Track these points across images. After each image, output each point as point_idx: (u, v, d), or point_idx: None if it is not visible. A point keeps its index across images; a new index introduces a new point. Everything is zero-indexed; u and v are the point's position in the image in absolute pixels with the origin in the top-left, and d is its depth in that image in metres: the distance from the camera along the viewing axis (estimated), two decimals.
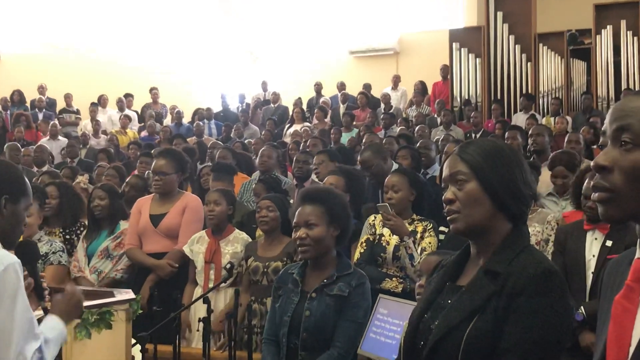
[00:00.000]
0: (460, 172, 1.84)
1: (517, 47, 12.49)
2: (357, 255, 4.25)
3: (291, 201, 4.95)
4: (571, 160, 5.17)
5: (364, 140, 7.02)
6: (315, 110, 13.15)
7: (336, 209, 3.00)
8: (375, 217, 4.34)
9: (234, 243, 4.68)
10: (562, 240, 4.05)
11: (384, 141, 5.88)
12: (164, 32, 16.69)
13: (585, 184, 4.04)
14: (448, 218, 1.85)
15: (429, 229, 4.16)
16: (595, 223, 3.93)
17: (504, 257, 1.76)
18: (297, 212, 3.01)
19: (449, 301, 1.80)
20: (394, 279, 4.12)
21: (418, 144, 7.08)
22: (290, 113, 13.76)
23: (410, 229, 4.15)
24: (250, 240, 4.73)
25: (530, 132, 6.55)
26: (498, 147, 1.86)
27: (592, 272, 3.86)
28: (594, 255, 3.91)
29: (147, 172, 6.70)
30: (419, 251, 4.04)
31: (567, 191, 4.81)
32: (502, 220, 1.82)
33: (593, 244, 3.94)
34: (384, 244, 4.22)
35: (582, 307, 3.77)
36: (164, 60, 16.66)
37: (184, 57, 16.96)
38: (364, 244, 4.27)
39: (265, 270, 4.29)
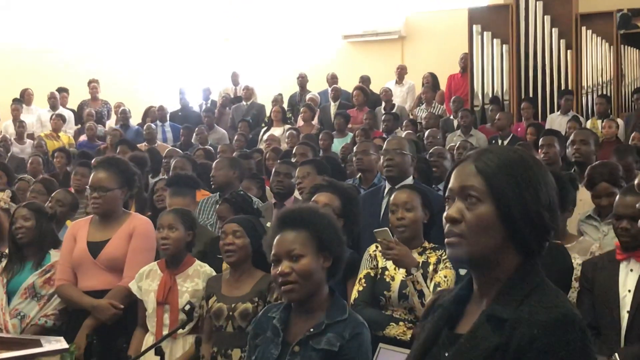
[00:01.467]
0: (474, 188, 1.83)
1: (554, 30, 12.59)
2: (354, 294, 4.26)
3: (268, 224, 4.94)
4: (613, 172, 5.14)
5: (355, 148, 7.05)
6: (300, 110, 13.17)
7: (325, 232, 2.97)
8: (376, 247, 4.36)
9: (194, 278, 4.67)
10: (590, 274, 4.07)
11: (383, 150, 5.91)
12: (106, 11, 16.70)
13: (617, 200, 4.06)
14: (447, 240, 1.85)
15: (444, 260, 4.18)
16: (631, 251, 3.94)
17: (511, 298, 1.77)
18: (276, 241, 2.98)
19: (446, 354, 1.82)
20: (400, 323, 4.12)
21: (429, 153, 7.12)
22: (268, 113, 13.78)
23: (420, 260, 4.17)
24: (213, 273, 4.72)
25: (571, 138, 6.58)
26: (524, 160, 1.86)
27: (628, 311, 3.89)
28: (629, 291, 3.94)
29: (86, 187, 6.68)
30: (431, 287, 4.06)
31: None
32: (512, 253, 1.83)
33: (628, 277, 3.96)
34: (387, 280, 4.24)
35: (616, 355, 3.79)
36: (106, 45, 16.66)
37: (132, 42, 16.97)
38: (363, 281, 4.28)
39: (231, 313, 4.28)
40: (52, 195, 6.45)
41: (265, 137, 12.05)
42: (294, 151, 8.15)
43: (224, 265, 4.92)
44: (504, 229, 1.80)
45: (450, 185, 1.89)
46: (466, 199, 1.83)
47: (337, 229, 3.04)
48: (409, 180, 5.35)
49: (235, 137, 11.96)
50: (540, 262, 1.86)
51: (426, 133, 10.28)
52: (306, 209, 3.10)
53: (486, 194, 1.82)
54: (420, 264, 4.13)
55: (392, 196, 4.44)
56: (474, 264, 1.84)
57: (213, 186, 6.72)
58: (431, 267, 4.17)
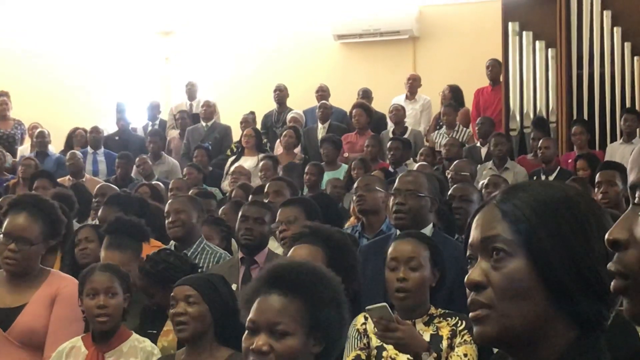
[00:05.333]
0: (499, 238, 1.82)
1: (617, 30, 12.64)
2: None
3: (233, 287, 4.94)
4: None
5: (356, 184, 7.08)
6: (282, 133, 13.20)
7: (325, 307, 2.92)
8: (366, 319, 4.33)
9: (130, 357, 4.67)
10: None
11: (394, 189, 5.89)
12: (21, 8, 16.75)
13: None
14: (471, 315, 1.83)
15: (461, 331, 4.20)
16: None
17: None
18: (257, 304, 2.96)
19: None
20: None
21: (451, 191, 7.14)
22: (236, 137, 13.80)
23: (428, 333, 4.18)
24: (156, 350, 4.73)
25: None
26: (569, 199, 1.85)
27: None
28: None
29: None
30: None
31: None
32: (563, 325, 1.80)
33: None
34: None
35: None
36: (20, 49, 16.68)
37: (54, 44, 17.00)
38: None
39: None
40: None
41: (232, 170, 12.04)
42: (265, 189, 8.17)
43: (159, 344, 4.94)
44: (546, 291, 1.77)
45: (470, 239, 1.88)
46: (491, 255, 1.81)
47: (341, 305, 3.00)
48: (428, 230, 5.29)
49: (185, 170, 11.98)
50: (603, 339, 1.83)
51: (451, 165, 10.24)
52: (307, 269, 3.02)
53: (516, 245, 1.79)
54: (430, 342, 4.08)
55: (392, 247, 4.41)
56: (508, 344, 1.82)
57: (172, 235, 6.73)
58: (445, 343, 4.17)
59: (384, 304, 4.02)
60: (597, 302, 1.79)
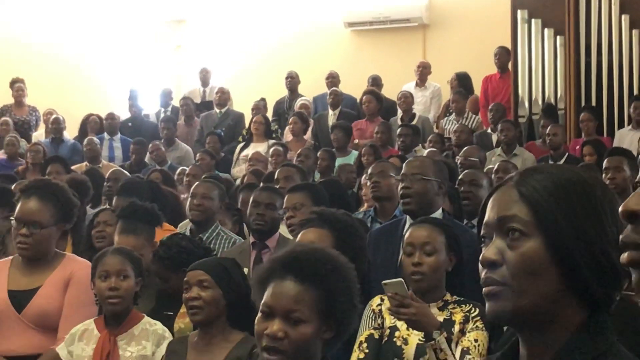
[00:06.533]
0: (516, 218, 1.83)
1: (625, 18, 12.61)
2: None
3: (245, 270, 4.94)
4: None
5: (370, 170, 7.06)
6: (289, 120, 13.23)
7: (340, 297, 2.95)
8: (382, 300, 4.35)
9: (142, 340, 4.67)
10: None
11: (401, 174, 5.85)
12: None
13: None
14: (485, 291, 1.85)
15: (474, 317, 4.19)
16: None
17: None
18: (273, 289, 2.96)
19: None
20: None
21: (461, 177, 7.13)
22: (248, 124, 13.81)
23: (441, 317, 4.17)
24: (167, 334, 4.73)
25: None
26: (585, 182, 1.85)
27: None
28: None
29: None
30: (457, 353, 4.05)
31: None
32: (573, 306, 1.82)
33: None
34: (399, 344, 4.22)
35: None
36: (35, 37, 16.71)
37: (68, 32, 17.02)
38: (365, 345, 4.26)
39: None
40: None
41: (243, 156, 12.06)
42: (276, 175, 8.17)
43: (176, 326, 4.96)
44: (559, 272, 1.79)
45: (486, 218, 1.89)
46: (507, 234, 1.82)
47: (354, 294, 3.02)
48: (437, 214, 5.25)
49: (198, 156, 12.00)
50: (610, 321, 1.84)
51: (460, 152, 10.24)
52: (323, 257, 3.04)
53: (533, 226, 1.81)
54: (442, 325, 4.08)
55: (408, 232, 4.42)
56: (521, 321, 1.83)
57: (193, 217, 6.74)
58: (457, 327, 4.16)
59: (401, 279, 4.05)
60: (607, 284, 1.80)
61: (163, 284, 5.29)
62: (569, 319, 1.81)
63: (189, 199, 6.83)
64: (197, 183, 7.13)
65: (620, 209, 1.63)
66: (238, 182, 10.11)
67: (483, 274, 1.84)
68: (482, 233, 1.89)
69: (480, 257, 1.85)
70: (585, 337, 1.79)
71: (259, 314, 2.93)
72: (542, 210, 1.81)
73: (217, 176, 9.40)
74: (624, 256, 1.62)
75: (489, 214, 1.88)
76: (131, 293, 4.71)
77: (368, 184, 6.96)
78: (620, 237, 1.56)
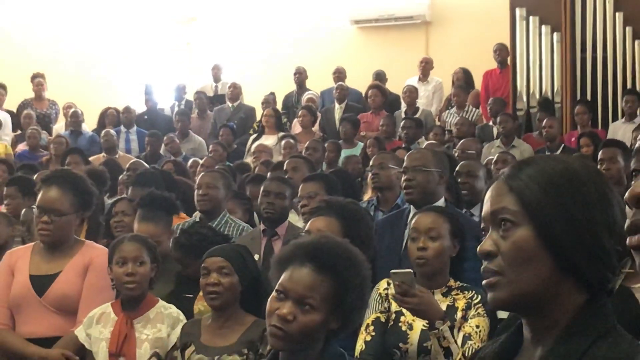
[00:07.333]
0: (505, 210, 1.85)
1: (619, 15, 12.59)
2: (360, 344, 4.22)
3: (255, 257, 4.95)
4: None
5: (371, 162, 7.07)
6: (298, 113, 13.24)
7: (351, 292, 2.95)
8: (389, 284, 4.31)
9: (157, 323, 4.69)
10: None
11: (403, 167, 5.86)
12: None
13: None
14: (484, 282, 1.87)
15: (476, 304, 4.18)
16: None
17: (572, 348, 1.77)
18: (290, 273, 2.95)
19: None
20: None
21: (458, 168, 7.14)
22: (259, 117, 13.83)
23: (445, 303, 4.17)
24: (181, 316, 4.75)
25: (636, 150, 6.62)
26: (570, 171, 1.86)
27: None
28: None
29: (24, 209, 6.71)
30: (459, 339, 4.05)
31: None
32: (571, 289, 1.82)
33: None
34: (404, 329, 4.21)
35: None
36: (54, 31, 16.71)
37: (86, 28, 17.04)
38: (372, 328, 4.24)
39: None
40: None
41: (253, 147, 12.08)
42: (285, 166, 8.19)
43: (195, 308, 4.97)
44: (551, 257, 1.80)
45: (482, 213, 1.92)
46: (500, 225, 1.85)
47: (366, 291, 3.03)
48: (440, 203, 5.24)
49: (211, 147, 12.02)
50: (609, 304, 1.85)
51: (457, 144, 10.26)
52: (343, 251, 3.04)
53: (522, 215, 1.83)
54: (445, 312, 4.06)
55: (414, 219, 4.40)
56: (520, 307, 1.85)
57: (200, 207, 6.74)
58: (459, 314, 4.15)
59: (410, 270, 4.04)
60: (601, 266, 1.81)
61: (184, 269, 5.31)
62: (569, 302, 1.82)
63: (195, 190, 6.84)
64: (202, 174, 7.11)
65: (626, 194, 1.64)
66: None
67: (482, 266, 1.87)
68: (482, 227, 1.92)
69: (478, 249, 1.88)
70: (586, 319, 1.80)
71: (273, 293, 2.93)
72: (528, 199, 1.83)
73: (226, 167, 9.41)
74: (634, 239, 1.63)
75: (484, 208, 1.91)
76: (147, 278, 4.72)
77: (369, 175, 6.97)
78: (627, 220, 1.56)
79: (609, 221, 1.81)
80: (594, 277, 1.82)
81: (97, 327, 4.71)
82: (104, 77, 16.93)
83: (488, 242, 1.86)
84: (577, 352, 1.76)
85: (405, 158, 5.57)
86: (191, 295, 5.01)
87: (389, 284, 4.31)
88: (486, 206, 1.90)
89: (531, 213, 1.82)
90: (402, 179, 5.42)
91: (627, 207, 1.74)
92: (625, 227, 1.71)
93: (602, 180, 1.88)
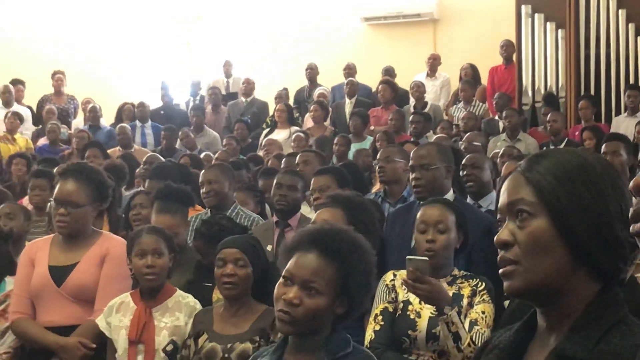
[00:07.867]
0: (522, 201, 1.86)
1: (622, 12, 12.57)
2: (369, 334, 4.24)
3: (268, 248, 4.96)
4: None
5: (378, 156, 7.07)
6: (311, 108, 13.24)
7: (356, 276, 2.97)
8: (395, 276, 4.34)
9: (175, 312, 4.70)
10: None
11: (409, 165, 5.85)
12: None
13: None
14: (501, 271, 1.87)
15: (481, 291, 4.19)
16: None
17: (587, 335, 1.77)
18: (297, 259, 2.98)
19: None
20: None
21: (464, 161, 7.14)
22: (272, 112, 13.83)
23: (451, 291, 4.16)
24: (198, 305, 4.74)
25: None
26: (585, 164, 1.87)
27: None
28: None
29: (46, 202, 6.74)
30: (466, 324, 4.05)
31: None
32: (585, 278, 1.83)
33: None
34: (412, 317, 4.21)
35: None
36: (73, 30, 16.75)
37: (103, 25, 17.07)
38: (380, 318, 4.26)
39: (227, 355, 4.29)
40: None
41: (266, 142, 12.07)
42: (296, 159, 8.20)
43: (214, 296, 4.98)
44: (567, 247, 1.81)
45: (499, 204, 1.93)
46: (517, 216, 1.86)
47: (371, 275, 3.03)
48: (449, 196, 5.21)
49: (225, 141, 12.04)
50: (621, 294, 1.86)
51: (464, 137, 10.27)
52: (347, 238, 3.06)
53: (538, 206, 1.84)
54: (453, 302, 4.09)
55: (421, 211, 4.40)
56: (536, 296, 1.85)
57: (207, 204, 6.72)
58: (465, 301, 4.16)
59: (426, 258, 4.04)
60: (615, 256, 1.82)
61: (204, 258, 5.31)
62: (583, 291, 1.83)
63: (200, 188, 6.84)
64: (204, 170, 7.09)
65: (631, 184, 1.66)
66: None
67: (499, 256, 1.87)
68: (497, 218, 1.93)
69: (495, 239, 1.89)
70: (600, 308, 1.81)
71: (281, 280, 2.96)
72: (545, 190, 1.84)
73: (237, 161, 9.39)
74: (637, 226, 1.65)
75: (501, 200, 1.92)
76: (165, 269, 4.73)
77: (376, 168, 6.97)
78: (631, 209, 1.57)
79: (623, 213, 1.82)
80: (608, 267, 1.83)
81: (117, 315, 4.71)
82: (121, 73, 16.99)
83: (505, 232, 1.86)
84: (592, 340, 1.76)
85: (411, 155, 5.52)
86: (210, 284, 4.99)
87: (394, 275, 4.34)
88: (503, 197, 1.92)
89: (548, 204, 1.84)
90: (411, 177, 5.40)
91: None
92: (630, 215, 1.71)
93: (616, 173, 1.90)
